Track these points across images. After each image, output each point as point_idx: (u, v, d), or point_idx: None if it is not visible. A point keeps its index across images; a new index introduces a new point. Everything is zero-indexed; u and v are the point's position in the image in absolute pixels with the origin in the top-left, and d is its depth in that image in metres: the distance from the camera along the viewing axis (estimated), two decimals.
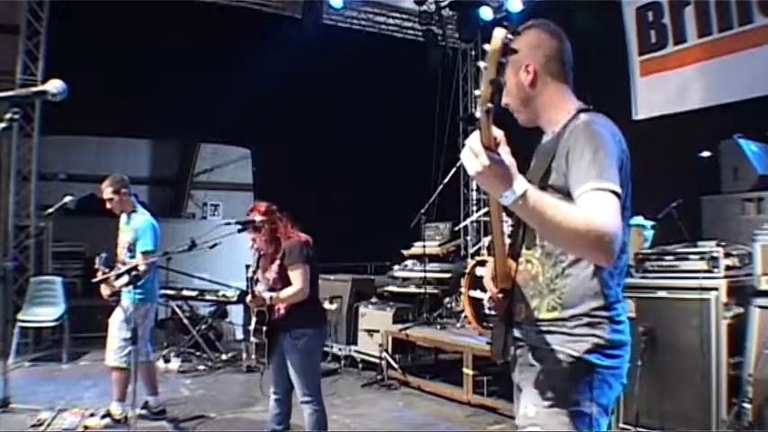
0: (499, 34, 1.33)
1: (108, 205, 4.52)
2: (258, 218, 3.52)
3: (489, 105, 1.36)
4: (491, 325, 1.96)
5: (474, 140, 1.41)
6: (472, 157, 1.41)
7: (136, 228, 4.44)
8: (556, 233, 1.49)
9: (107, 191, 4.48)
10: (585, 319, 1.67)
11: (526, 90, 1.80)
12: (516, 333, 1.82)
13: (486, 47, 1.35)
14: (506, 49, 1.33)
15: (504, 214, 1.71)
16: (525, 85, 1.79)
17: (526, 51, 1.76)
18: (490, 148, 1.39)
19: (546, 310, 1.72)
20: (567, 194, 1.62)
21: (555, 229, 1.46)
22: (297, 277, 3.37)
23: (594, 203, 1.50)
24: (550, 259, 1.73)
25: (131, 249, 4.42)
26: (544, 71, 1.79)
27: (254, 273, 3.46)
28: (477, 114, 1.38)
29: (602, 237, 1.44)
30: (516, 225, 1.83)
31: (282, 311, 3.41)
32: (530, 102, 1.81)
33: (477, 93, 1.37)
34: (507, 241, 1.86)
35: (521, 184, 1.43)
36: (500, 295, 1.79)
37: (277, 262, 3.44)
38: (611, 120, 1.74)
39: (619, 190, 1.53)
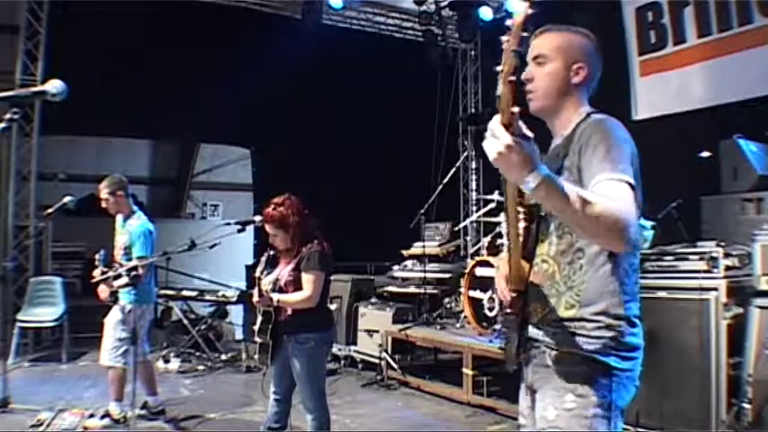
0: (521, 8, 1.36)
1: (104, 205, 4.49)
2: (258, 218, 3.50)
3: (512, 78, 1.35)
4: (500, 327, 1.97)
5: (494, 121, 1.39)
6: (492, 138, 1.39)
7: (131, 232, 4.41)
8: (575, 219, 1.48)
9: (103, 191, 4.44)
10: (604, 321, 1.68)
11: (569, 84, 1.79)
12: (532, 334, 1.81)
13: (509, 22, 1.36)
14: (528, 22, 1.36)
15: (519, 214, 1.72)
16: (571, 80, 1.79)
17: (584, 54, 1.80)
18: (511, 128, 1.37)
19: (564, 308, 1.72)
20: None
21: (575, 214, 1.45)
22: (309, 283, 3.26)
23: (609, 191, 1.52)
24: (566, 256, 1.73)
25: (127, 252, 4.40)
26: (587, 83, 1.81)
27: (262, 272, 3.33)
28: (499, 90, 1.37)
29: (618, 222, 1.45)
30: (529, 224, 1.80)
31: (289, 314, 3.32)
32: (562, 96, 1.79)
33: (498, 68, 1.37)
34: (520, 241, 1.84)
35: (543, 168, 1.41)
36: (513, 296, 1.78)
37: (292, 265, 3.34)
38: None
39: (633, 181, 1.55)
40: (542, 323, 1.77)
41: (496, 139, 1.38)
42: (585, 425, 1.65)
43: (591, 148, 1.62)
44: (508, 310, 1.81)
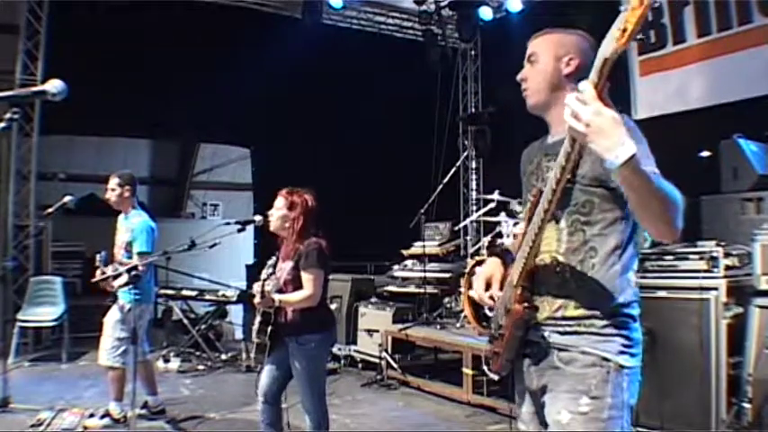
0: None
1: (108, 195, 4.47)
2: (258, 218, 3.50)
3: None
4: (492, 330, 1.93)
5: (586, 87, 1.32)
6: (581, 106, 1.31)
7: (132, 228, 4.40)
8: (653, 200, 1.43)
9: (112, 182, 4.44)
10: (613, 319, 1.66)
11: (560, 76, 1.79)
12: (535, 336, 1.75)
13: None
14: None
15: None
16: (562, 72, 1.79)
17: (574, 46, 1.80)
18: (601, 94, 1.33)
19: (573, 307, 1.69)
20: (598, 185, 1.64)
21: (655, 195, 1.41)
22: (310, 281, 3.23)
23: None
24: (578, 254, 1.69)
25: (128, 250, 4.40)
26: (579, 73, 1.73)
27: (268, 276, 3.31)
28: (611, 50, 1.27)
29: (680, 209, 1.45)
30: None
31: (290, 315, 3.29)
32: (555, 89, 1.79)
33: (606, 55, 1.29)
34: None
35: (631, 142, 1.32)
36: (518, 292, 1.72)
37: (290, 263, 3.32)
38: None
39: None
40: (548, 323, 1.73)
41: (585, 106, 1.31)
42: (601, 427, 1.63)
43: None
44: (502, 319, 1.78)
